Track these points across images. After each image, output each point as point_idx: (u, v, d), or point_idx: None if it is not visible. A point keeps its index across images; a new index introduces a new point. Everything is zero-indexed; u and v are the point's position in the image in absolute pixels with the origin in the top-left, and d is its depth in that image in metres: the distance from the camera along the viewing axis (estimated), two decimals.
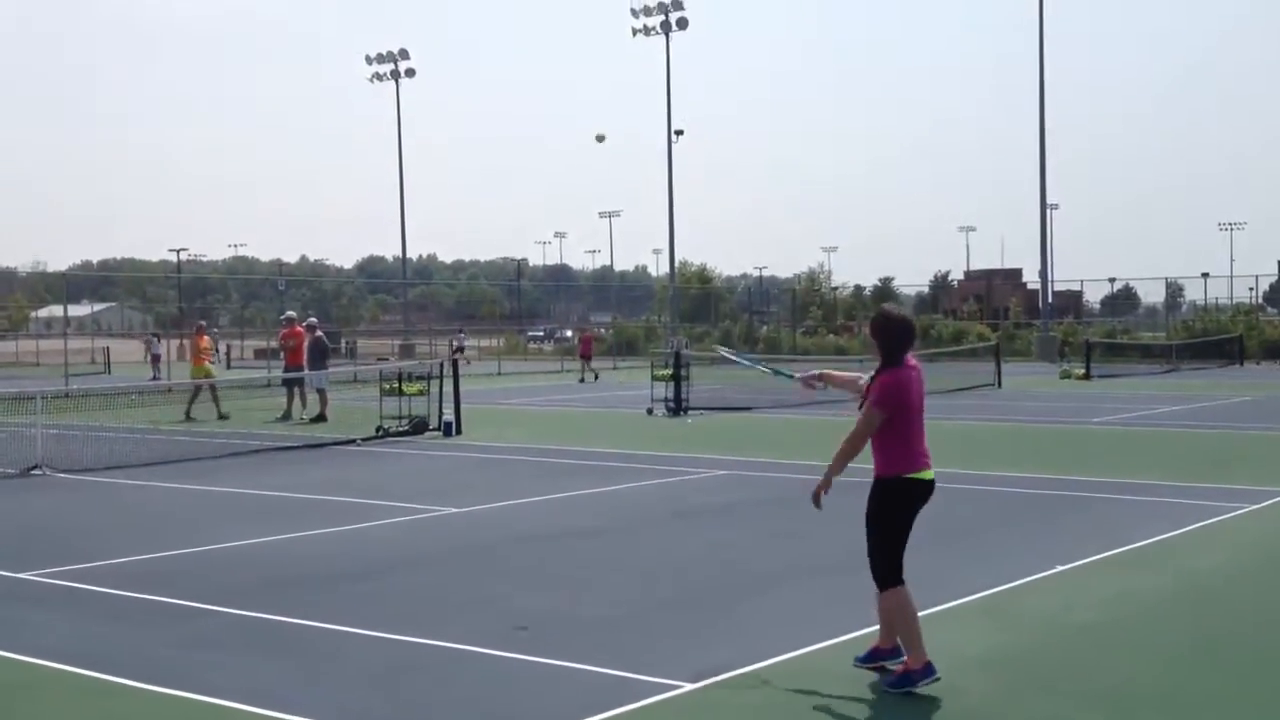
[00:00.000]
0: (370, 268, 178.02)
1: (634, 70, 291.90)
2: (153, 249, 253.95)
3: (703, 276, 79.04)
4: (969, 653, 7.11)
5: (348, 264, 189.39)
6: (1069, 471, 15.35)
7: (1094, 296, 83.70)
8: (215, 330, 55.45)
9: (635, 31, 58.97)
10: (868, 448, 6.70)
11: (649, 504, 13.36)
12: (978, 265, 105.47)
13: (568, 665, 7.00)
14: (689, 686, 6.57)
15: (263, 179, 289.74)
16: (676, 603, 8.66)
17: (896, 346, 6.69)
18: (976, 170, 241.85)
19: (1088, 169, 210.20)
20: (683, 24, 58.05)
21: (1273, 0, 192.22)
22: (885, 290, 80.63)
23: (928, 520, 6.81)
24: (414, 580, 9.51)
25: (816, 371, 7.52)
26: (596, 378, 40.55)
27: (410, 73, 67.28)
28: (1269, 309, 76.76)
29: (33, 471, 16.01)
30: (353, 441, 19.80)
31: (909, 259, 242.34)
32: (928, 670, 6.44)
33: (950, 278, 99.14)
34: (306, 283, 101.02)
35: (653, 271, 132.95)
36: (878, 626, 6.91)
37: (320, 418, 23.17)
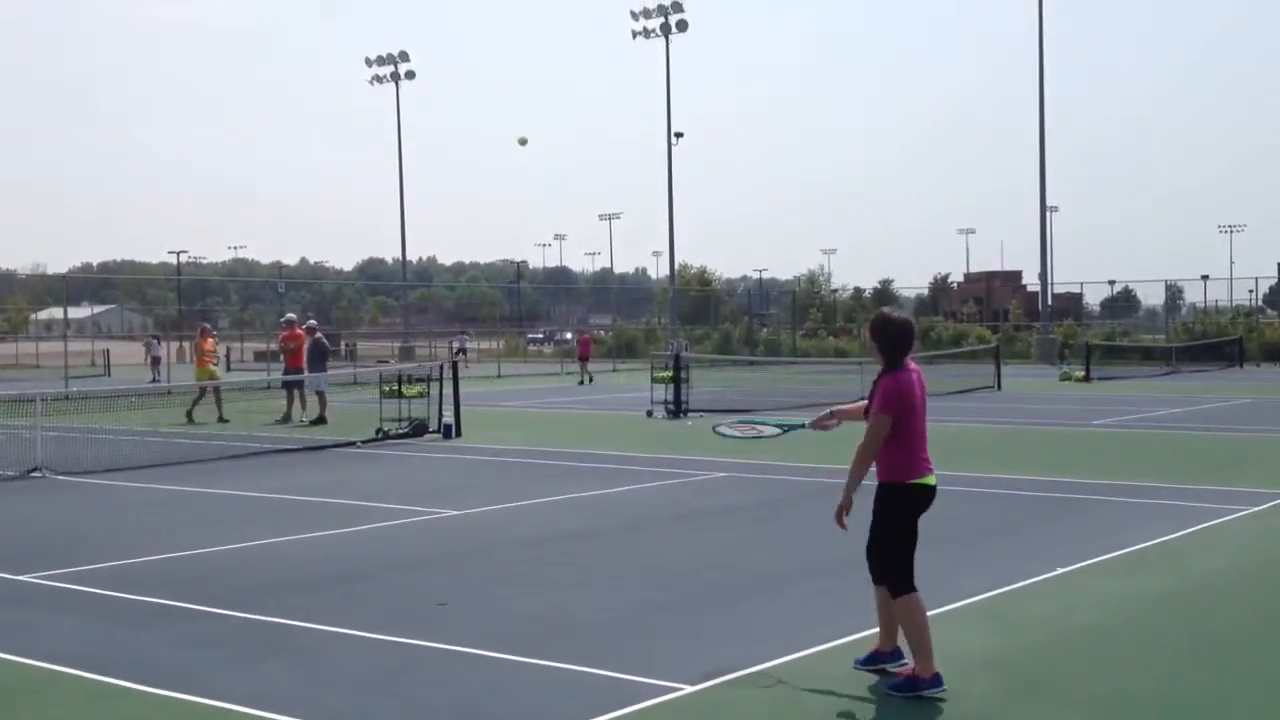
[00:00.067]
0: (370, 270, 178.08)
1: (634, 72, 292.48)
2: (153, 251, 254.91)
3: (703, 279, 79.12)
4: (969, 655, 7.10)
5: (347, 266, 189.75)
6: (1069, 474, 15.35)
7: (1094, 299, 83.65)
8: (215, 333, 55.37)
9: (635, 34, 59.07)
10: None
11: (649, 506, 13.36)
12: (977, 267, 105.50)
13: (568, 667, 7.00)
14: (690, 688, 6.56)
15: (263, 181, 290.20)
16: (677, 605, 8.66)
17: (897, 349, 6.68)
18: (976, 172, 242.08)
19: (1087, 171, 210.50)
20: (682, 26, 58.13)
21: (1273, 1, 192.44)
22: (885, 292, 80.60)
23: (927, 523, 6.80)
24: (414, 582, 9.50)
25: (828, 411, 7.37)
26: (591, 380, 40.54)
27: (410, 75, 67.29)
28: (1269, 311, 76.65)
29: (33, 474, 16.01)
30: (352, 444, 19.81)
31: (909, 261, 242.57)
32: (935, 681, 6.42)
33: (950, 280, 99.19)
34: (306, 285, 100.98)
35: (652, 274, 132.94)
36: (878, 629, 6.91)
37: (320, 420, 23.19)
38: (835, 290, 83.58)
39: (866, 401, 6.80)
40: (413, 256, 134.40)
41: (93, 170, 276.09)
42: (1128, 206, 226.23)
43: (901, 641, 6.77)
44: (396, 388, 21.42)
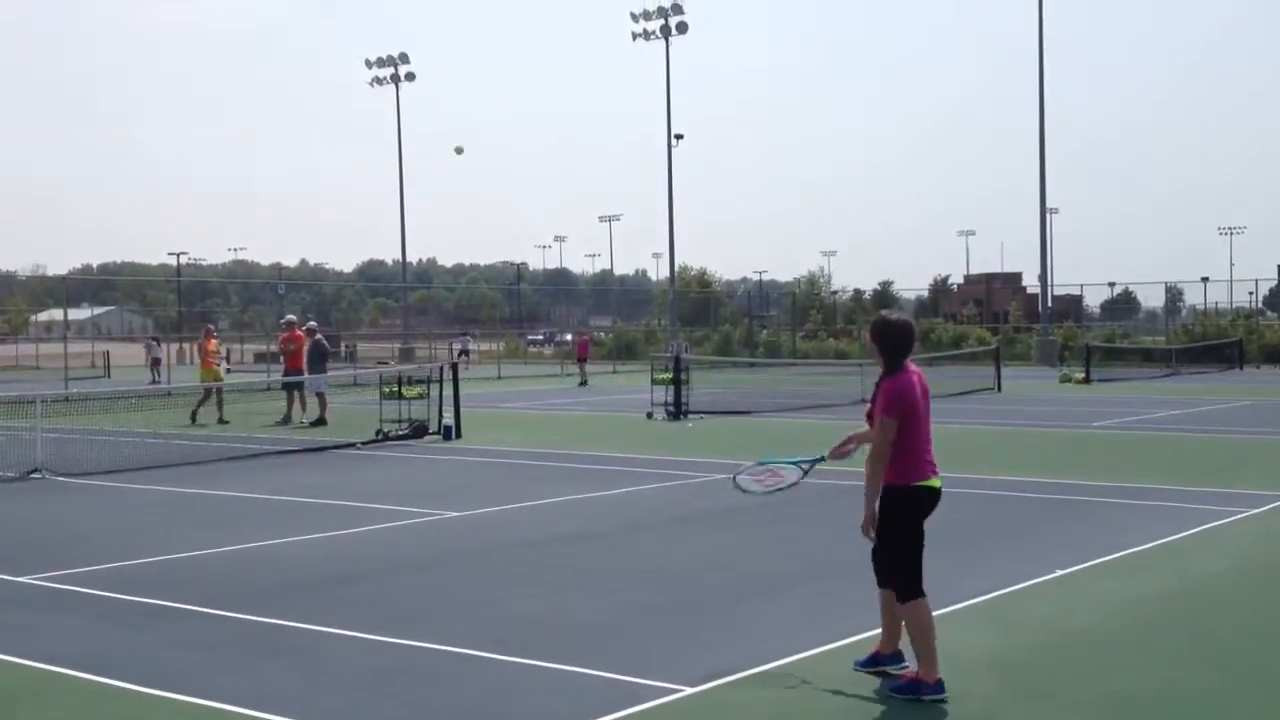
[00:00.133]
0: (370, 271, 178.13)
1: (634, 74, 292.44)
2: (153, 253, 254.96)
3: (703, 280, 79.20)
4: (971, 656, 7.10)
5: (348, 268, 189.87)
6: (1069, 476, 15.34)
7: (1094, 301, 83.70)
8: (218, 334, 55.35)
9: (635, 36, 59.13)
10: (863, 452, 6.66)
11: (649, 508, 13.35)
12: (977, 269, 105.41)
13: (568, 669, 6.99)
14: (690, 690, 6.56)
15: (263, 183, 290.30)
16: (677, 606, 8.65)
17: (897, 351, 6.67)
18: (976, 174, 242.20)
19: (1088, 173, 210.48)
20: (682, 28, 58.16)
21: (1273, 3, 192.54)
22: (885, 294, 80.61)
23: (928, 525, 6.79)
24: (414, 584, 9.50)
25: (845, 436, 7.15)
26: (585, 383, 40.56)
27: (410, 76, 67.31)
28: (1269, 313, 76.72)
29: (32, 475, 16.00)
30: (353, 445, 19.80)
31: (909, 263, 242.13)
32: (938, 687, 6.41)
33: (950, 282, 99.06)
34: (306, 286, 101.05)
35: (653, 275, 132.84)
36: (879, 630, 6.90)
37: (320, 421, 23.19)
38: (835, 292, 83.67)
39: (869, 405, 6.79)
40: (413, 258, 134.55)
41: (93, 170, 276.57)
42: (1128, 208, 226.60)
43: (903, 644, 6.75)
44: (397, 389, 21.42)
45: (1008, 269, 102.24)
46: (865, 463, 6.63)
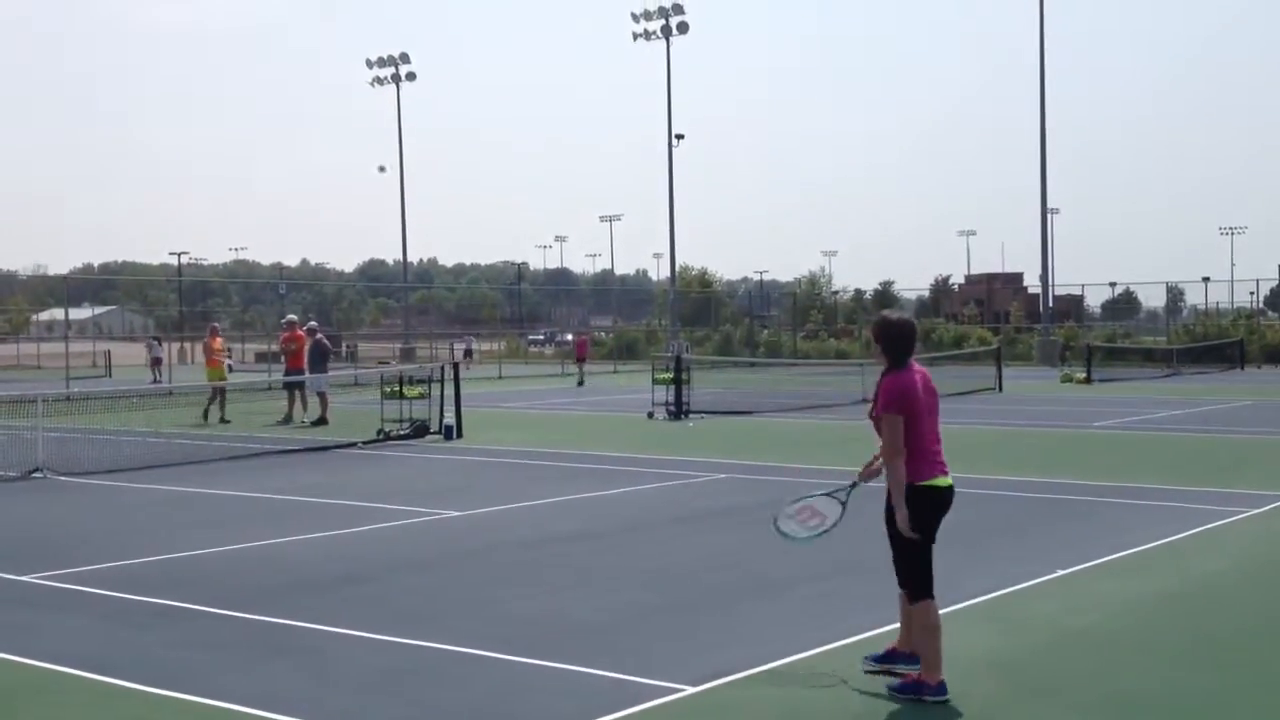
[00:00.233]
0: (371, 271, 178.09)
1: (634, 74, 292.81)
2: (153, 252, 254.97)
3: (703, 280, 79.19)
4: (973, 656, 7.10)
5: (349, 267, 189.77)
6: (1070, 475, 15.35)
7: (1095, 301, 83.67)
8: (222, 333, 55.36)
9: (636, 36, 59.13)
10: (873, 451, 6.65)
11: (650, 508, 13.36)
12: (978, 269, 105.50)
13: (569, 668, 7.00)
14: (691, 689, 6.57)
15: (263, 182, 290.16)
16: (678, 606, 8.66)
17: (900, 350, 6.67)
18: (977, 174, 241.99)
19: (1088, 173, 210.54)
20: (683, 28, 58.17)
21: (1273, 3, 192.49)
22: (886, 294, 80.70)
23: None
24: (415, 583, 9.51)
25: (872, 457, 6.92)
26: (583, 383, 40.59)
27: (411, 76, 67.31)
28: (1270, 313, 76.79)
29: (34, 474, 16.01)
30: (354, 445, 19.82)
31: (909, 263, 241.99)
32: (940, 688, 6.40)
33: (951, 282, 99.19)
34: (307, 286, 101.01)
35: (653, 275, 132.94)
36: (880, 631, 6.91)
37: (321, 421, 23.20)
38: (836, 292, 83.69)
39: (871, 405, 6.79)
40: (414, 258, 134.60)
41: (93, 170, 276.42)
42: (1129, 208, 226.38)
43: None
44: (398, 389, 21.43)
45: (1009, 269, 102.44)
46: (883, 465, 6.59)
